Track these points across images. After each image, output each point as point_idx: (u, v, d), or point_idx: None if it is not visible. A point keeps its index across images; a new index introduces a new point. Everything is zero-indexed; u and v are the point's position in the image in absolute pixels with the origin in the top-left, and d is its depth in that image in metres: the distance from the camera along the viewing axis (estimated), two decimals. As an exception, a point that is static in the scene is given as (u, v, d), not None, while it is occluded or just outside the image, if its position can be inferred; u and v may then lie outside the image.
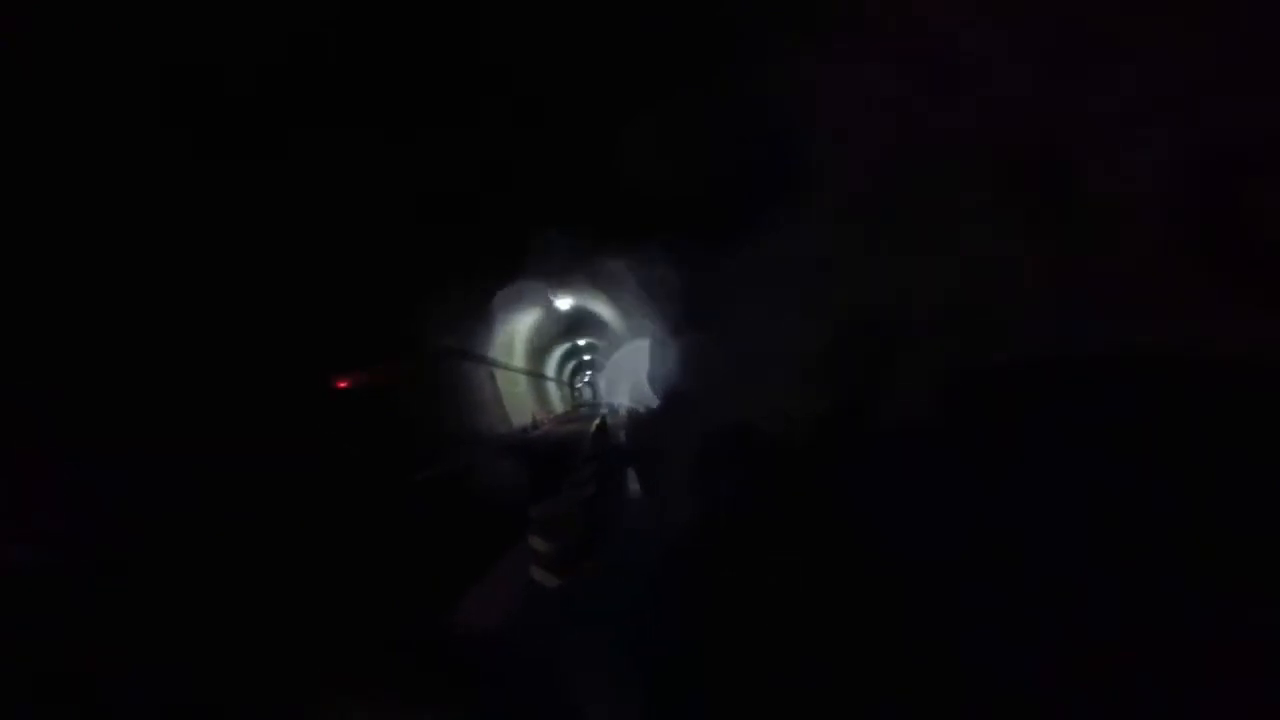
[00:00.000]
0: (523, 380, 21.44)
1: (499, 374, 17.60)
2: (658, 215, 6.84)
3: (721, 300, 6.62)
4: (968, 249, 2.41)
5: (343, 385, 7.58)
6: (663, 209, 6.44)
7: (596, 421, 15.27)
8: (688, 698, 2.40)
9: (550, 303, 18.06)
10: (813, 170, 3.69)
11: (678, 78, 4.34)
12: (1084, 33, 1.87)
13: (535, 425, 19.54)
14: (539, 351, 24.45)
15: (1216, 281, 1.55)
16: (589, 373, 46.65)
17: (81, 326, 4.99)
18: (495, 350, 17.41)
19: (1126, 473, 1.59)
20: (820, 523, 2.78)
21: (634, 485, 6.85)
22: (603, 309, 18.57)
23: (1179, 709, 1.28)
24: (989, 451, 2.06)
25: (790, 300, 4.38)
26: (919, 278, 2.69)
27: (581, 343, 28.99)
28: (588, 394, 53.42)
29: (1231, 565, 1.31)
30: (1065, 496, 1.73)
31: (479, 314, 14.60)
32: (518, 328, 18.63)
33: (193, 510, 5.28)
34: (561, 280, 15.91)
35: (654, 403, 15.16)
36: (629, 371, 24.48)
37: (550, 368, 29.99)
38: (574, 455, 11.20)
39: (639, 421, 14.13)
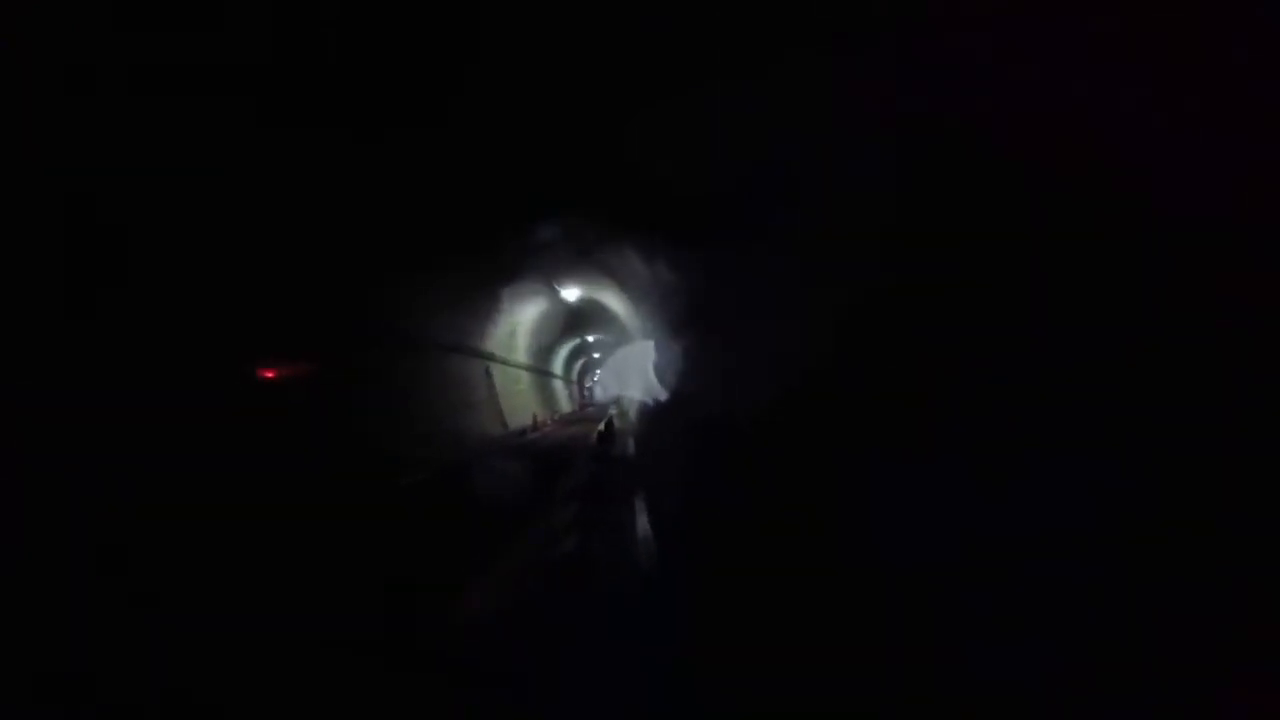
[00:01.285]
0: (525, 378, 19.96)
1: (498, 372, 16.13)
2: (664, 210, 6.77)
3: (722, 296, 6.46)
4: (969, 251, 2.36)
5: (269, 374, 6.10)
6: (670, 204, 6.38)
7: (601, 426, 13.71)
8: (683, 699, 2.39)
9: (556, 294, 16.57)
10: (815, 170, 3.69)
11: (680, 75, 4.27)
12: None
13: (535, 427, 18.05)
14: (544, 348, 23.00)
15: (1215, 279, 1.41)
16: (598, 372, 45.42)
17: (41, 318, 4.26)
18: (495, 345, 15.95)
19: (1125, 472, 1.51)
20: (813, 526, 2.79)
21: (642, 518, 5.25)
22: (613, 301, 17.06)
23: (1181, 710, 1.24)
24: (986, 452, 2.01)
25: (789, 299, 4.38)
26: (919, 280, 2.69)
27: (591, 339, 27.54)
28: (598, 393, 52.34)
29: (1232, 565, 1.25)
30: (1064, 496, 1.65)
31: (473, 306, 13.12)
32: (520, 320, 17.14)
33: (174, 511, 4.62)
34: (567, 271, 14.49)
35: (663, 396, 14.24)
36: (639, 366, 23.47)
37: (557, 365, 28.60)
38: (566, 464, 9.66)
39: (647, 417, 12.71)
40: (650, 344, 17.63)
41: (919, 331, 2.61)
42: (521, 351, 19.13)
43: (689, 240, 7.19)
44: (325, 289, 7.58)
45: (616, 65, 4.57)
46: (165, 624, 3.35)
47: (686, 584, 3.48)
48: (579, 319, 20.74)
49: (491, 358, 15.41)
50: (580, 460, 10.19)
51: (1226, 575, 1.26)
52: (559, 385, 29.97)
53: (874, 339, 2.97)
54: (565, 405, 30.63)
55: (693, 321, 9.48)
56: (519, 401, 18.34)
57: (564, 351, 28.17)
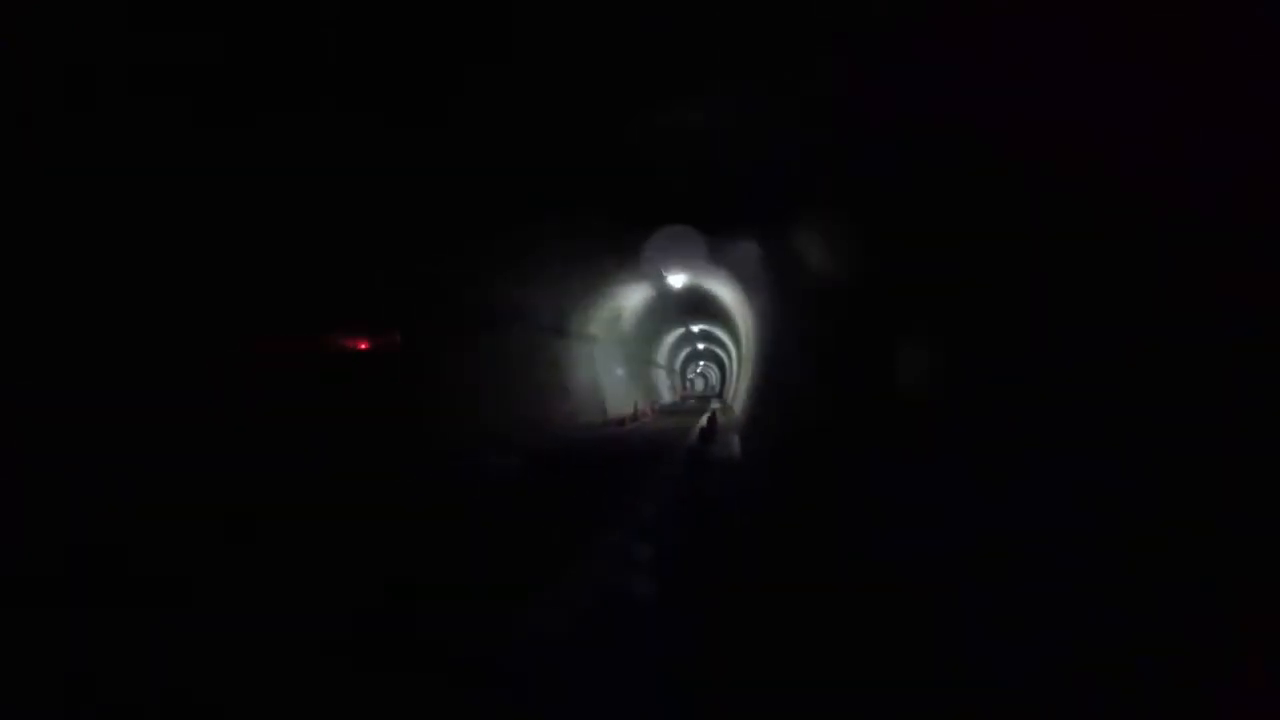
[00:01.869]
0: (627, 365, 19.46)
1: (600, 356, 15.68)
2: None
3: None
4: (969, 251, 2.42)
5: (293, 347, 5.69)
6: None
7: (703, 421, 12.79)
8: (690, 694, 2.43)
9: (662, 279, 15.77)
10: (813, 169, 3.78)
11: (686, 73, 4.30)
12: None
13: (635, 416, 17.47)
14: (648, 335, 22.39)
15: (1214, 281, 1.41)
16: (701, 363, 44.46)
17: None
18: (598, 329, 15.49)
19: (1125, 472, 1.50)
20: (824, 523, 2.83)
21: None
22: (723, 291, 15.99)
23: (1181, 709, 1.27)
24: (988, 452, 2.07)
25: (799, 300, 4.71)
26: (919, 279, 2.72)
27: (696, 329, 26.60)
28: (699, 385, 51.46)
29: (1231, 567, 1.25)
30: (1064, 496, 1.66)
31: (575, 287, 12.65)
32: (624, 305, 16.57)
33: (200, 503, 4.61)
34: (675, 256, 13.64)
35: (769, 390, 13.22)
36: (748, 358, 22.37)
37: (661, 354, 27.98)
38: (659, 462, 8.83)
39: (753, 413, 11.66)
40: (759, 337, 16.48)
41: (917, 331, 2.56)
42: (625, 338, 18.62)
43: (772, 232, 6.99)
44: (394, 258, 7.23)
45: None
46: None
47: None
48: (686, 307, 19.86)
49: (594, 341, 14.95)
50: (677, 459, 9.33)
51: (1227, 575, 1.24)
52: (661, 375, 29.37)
53: (872, 337, 2.86)
54: (666, 395, 30.01)
55: (778, 317, 8.89)
56: (619, 389, 17.85)
57: (669, 340, 27.49)
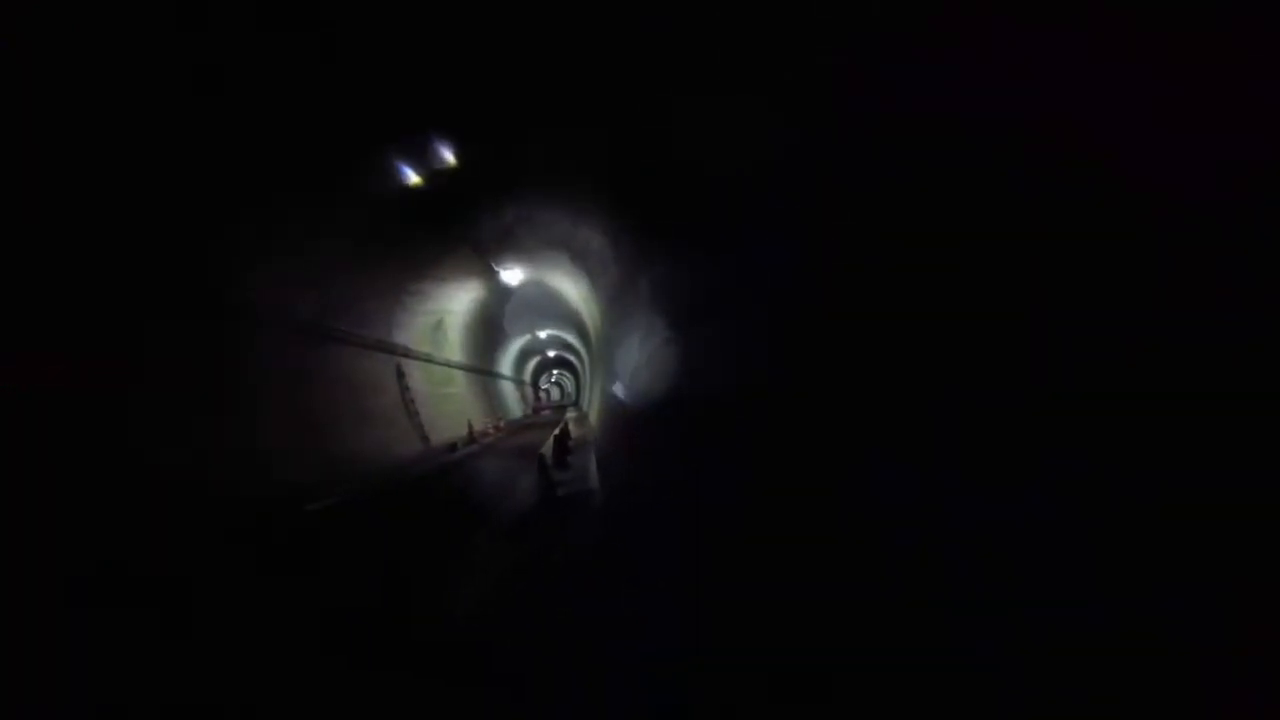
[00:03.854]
0: (460, 379, 16.53)
1: (418, 371, 12.70)
2: (639, 190, 6.01)
3: (709, 290, 5.60)
4: (968, 251, 2.39)
5: None
6: (649, 185, 5.63)
7: (550, 444, 10.54)
8: (685, 694, 2.35)
9: (495, 275, 13.25)
10: (811, 167, 3.52)
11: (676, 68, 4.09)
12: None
13: (472, 438, 14.66)
14: (487, 344, 19.58)
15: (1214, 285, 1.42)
16: (554, 371, 42.09)
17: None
18: (415, 340, 12.53)
19: (1125, 471, 1.48)
20: (812, 521, 2.72)
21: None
22: (567, 286, 13.88)
23: (1174, 710, 1.25)
24: (980, 450, 1.95)
25: (777, 301, 4.05)
26: (919, 279, 2.62)
27: (543, 335, 24.23)
28: (555, 394, 49.15)
29: (1229, 566, 1.23)
30: (1063, 496, 1.62)
31: (377, 287, 9.74)
32: (449, 309, 13.74)
33: None
34: (509, 246, 11.32)
35: (631, 396, 11.67)
36: (605, 362, 20.61)
37: (506, 365, 25.16)
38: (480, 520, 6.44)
39: (613, 423, 9.90)
40: (616, 337, 14.73)
41: (913, 329, 2.55)
42: (454, 348, 15.71)
43: (671, 228, 6.06)
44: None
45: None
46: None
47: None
48: (528, 308, 17.44)
49: (406, 353, 11.98)
50: (513, 507, 7.00)
51: (1227, 575, 1.23)
52: (509, 387, 26.55)
53: (868, 334, 2.87)
54: (516, 410, 27.24)
55: (676, 315, 7.24)
56: (451, 407, 14.93)
57: (514, 348, 24.81)
